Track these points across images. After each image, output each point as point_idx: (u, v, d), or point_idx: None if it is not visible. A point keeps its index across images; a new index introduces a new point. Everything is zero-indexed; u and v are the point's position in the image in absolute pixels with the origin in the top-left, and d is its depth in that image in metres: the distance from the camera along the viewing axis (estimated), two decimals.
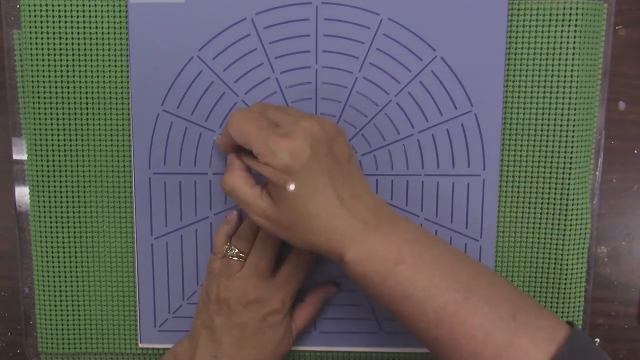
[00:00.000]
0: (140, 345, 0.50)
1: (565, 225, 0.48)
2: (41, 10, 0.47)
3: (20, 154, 0.49)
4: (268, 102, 0.46)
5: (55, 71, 0.47)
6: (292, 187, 0.36)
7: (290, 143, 0.37)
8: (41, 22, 0.47)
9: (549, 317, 0.38)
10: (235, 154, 0.43)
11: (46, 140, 0.48)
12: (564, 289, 0.48)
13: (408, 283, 0.38)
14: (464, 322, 0.37)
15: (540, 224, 0.48)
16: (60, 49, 0.47)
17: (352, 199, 0.39)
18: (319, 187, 0.38)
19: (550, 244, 0.48)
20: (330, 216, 0.38)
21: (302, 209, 0.38)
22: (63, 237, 0.49)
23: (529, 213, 0.48)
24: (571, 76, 0.46)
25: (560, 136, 0.47)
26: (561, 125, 0.47)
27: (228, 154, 0.43)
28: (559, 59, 0.46)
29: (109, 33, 0.47)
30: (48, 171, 0.48)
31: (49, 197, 0.49)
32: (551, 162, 0.47)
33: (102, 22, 0.47)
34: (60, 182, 0.49)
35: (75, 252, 0.50)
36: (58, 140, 0.48)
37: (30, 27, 0.47)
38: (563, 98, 0.46)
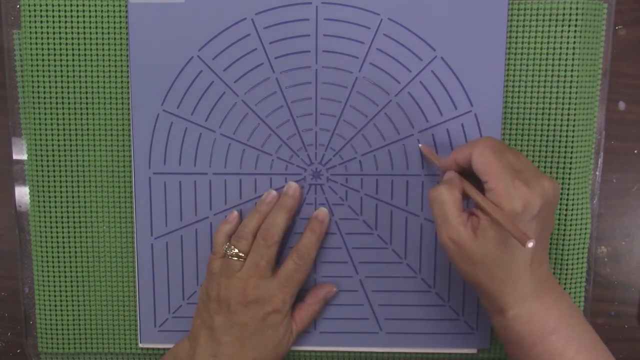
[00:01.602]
0: (140, 345, 0.50)
1: (565, 225, 0.48)
2: (41, 10, 0.47)
3: (20, 154, 0.49)
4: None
5: (55, 71, 0.47)
6: (530, 244, 0.36)
7: (528, 193, 0.38)
8: (41, 22, 0.47)
9: None
10: (457, 174, 0.41)
11: (46, 140, 0.48)
12: (564, 288, 0.48)
13: (556, 354, 0.39)
14: None
15: None
16: (60, 49, 0.47)
17: (539, 263, 0.40)
18: None
19: (550, 244, 0.48)
20: (516, 273, 0.39)
21: (498, 257, 0.38)
22: (63, 237, 0.49)
23: None
24: (571, 76, 0.46)
25: (560, 136, 0.47)
26: (561, 125, 0.47)
27: (445, 170, 0.43)
28: (559, 59, 0.46)
29: (109, 33, 0.47)
30: (48, 171, 0.48)
31: (49, 197, 0.49)
32: (551, 162, 0.47)
33: (102, 22, 0.47)
34: (60, 182, 0.49)
35: (75, 252, 0.50)
36: (58, 140, 0.48)
37: (30, 27, 0.47)
38: (563, 98, 0.46)
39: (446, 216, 0.39)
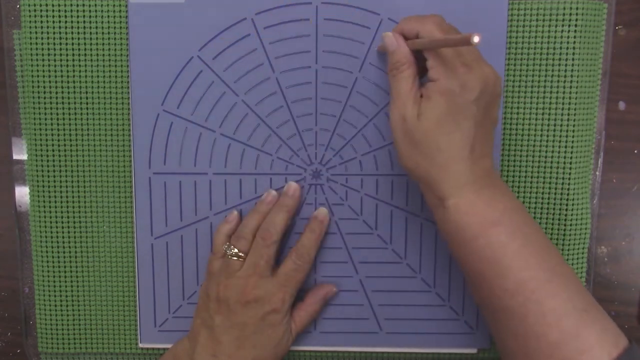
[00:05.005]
0: (140, 345, 0.50)
1: (565, 225, 0.48)
2: (41, 10, 0.47)
3: (20, 154, 0.49)
4: None
5: (55, 71, 0.47)
6: (476, 38, 0.34)
7: (467, 75, 0.37)
8: (41, 22, 0.47)
9: (613, 322, 0.38)
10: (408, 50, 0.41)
11: (46, 140, 0.48)
12: None
13: (499, 247, 0.38)
14: (539, 301, 0.37)
15: (540, 224, 0.48)
16: (60, 49, 0.47)
17: (480, 155, 0.39)
18: (464, 126, 0.38)
19: None
20: (456, 157, 0.38)
21: (439, 134, 0.38)
22: (63, 237, 0.49)
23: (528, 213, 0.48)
24: (571, 76, 0.46)
25: (560, 136, 0.47)
26: (561, 125, 0.47)
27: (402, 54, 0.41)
28: (559, 59, 0.46)
29: (109, 33, 0.47)
30: (48, 171, 0.48)
31: (49, 197, 0.49)
32: (551, 162, 0.47)
33: (102, 22, 0.47)
34: (60, 182, 0.49)
35: (75, 252, 0.50)
36: (58, 140, 0.48)
37: (30, 27, 0.47)
38: (563, 98, 0.46)
39: (401, 91, 0.40)
